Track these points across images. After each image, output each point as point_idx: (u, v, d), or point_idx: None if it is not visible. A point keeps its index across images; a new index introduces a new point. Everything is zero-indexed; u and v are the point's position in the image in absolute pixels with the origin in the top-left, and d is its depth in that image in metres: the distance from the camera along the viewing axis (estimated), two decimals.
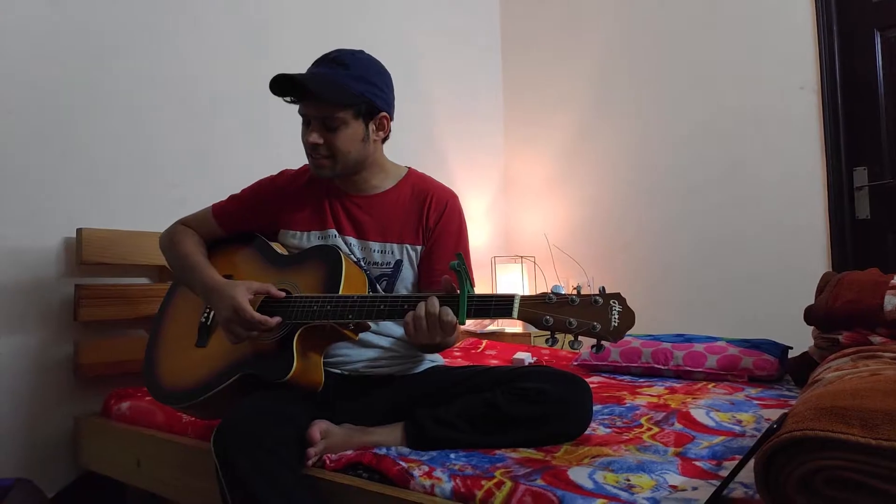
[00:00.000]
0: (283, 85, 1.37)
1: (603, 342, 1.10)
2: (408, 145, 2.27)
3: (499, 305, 1.16)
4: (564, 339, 1.14)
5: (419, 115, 3.21)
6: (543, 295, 1.13)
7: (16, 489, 1.60)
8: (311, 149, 1.43)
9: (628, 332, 1.09)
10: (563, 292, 1.14)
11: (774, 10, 2.86)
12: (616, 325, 1.08)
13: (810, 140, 2.76)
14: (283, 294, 1.34)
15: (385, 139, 1.53)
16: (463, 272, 1.16)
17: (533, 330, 2.99)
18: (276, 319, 1.30)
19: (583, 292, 1.12)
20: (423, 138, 3.24)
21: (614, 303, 1.10)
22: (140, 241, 2.05)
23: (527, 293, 3.22)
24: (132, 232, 2.05)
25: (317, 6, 2.78)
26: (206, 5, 2.39)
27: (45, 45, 1.98)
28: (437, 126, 3.35)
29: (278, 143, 2.49)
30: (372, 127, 1.46)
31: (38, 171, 1.95)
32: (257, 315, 1.28)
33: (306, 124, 1.44)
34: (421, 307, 1.19)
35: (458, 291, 1.18)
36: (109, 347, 2.00)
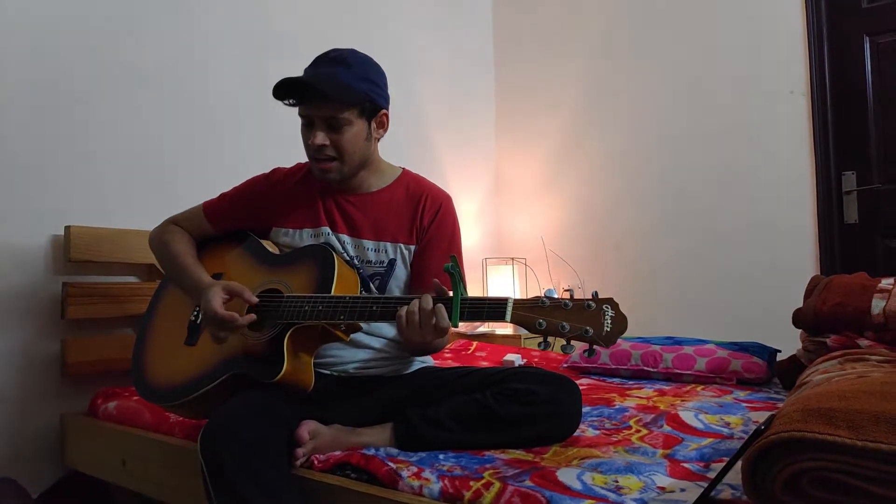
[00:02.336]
0: (287, 88, 1.37)
1: (595, 346, 1.10)
2: (400, 146, 2.27)
3: (492, 309, 1.15)
4: (556, 342, 1.14)
5: (411, 116, 3.21)
6: (536, 298, 1.13)
7: (0, 488, 1.59)
8: (315, 151, 1.41)
9: None
10: (556, 296, 1.14)
11: (765, 14, 2.88)
12: (608, 329, 1.08)
13: (800, 144, 2.78)
14: (256, 300, 1.33)
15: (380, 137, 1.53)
16: (457, 275, 1.16)
17: (523, 332, 2.98)
18: (249, 317, 1.30)
19: (575, 296, 1.13)
20: (415, 139, 3.24)
21: (607, 307, 1.10)
22: (128, 239, 2.03)
23: (518, 295, 3.23)
24: (121, 230, 2.04)
25: (312, 7, 2.77)
26: (201, 2, 2.38)
27: (37, 42, 1.96)
28: (430, 127, 3.35)
29: (271, 140, 2.48)
30: (373, 125, 1.46)
31: (27, 169, 1.93)
32: (222, 311, 1.28)
33: (308, 126, 1.42)
34: (415, 303, 1.19)
35: (451, 294, 1.18)
36: (97, 346, 1.98)
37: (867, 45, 2.71)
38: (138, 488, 1.67)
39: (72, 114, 2.03)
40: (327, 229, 1.50)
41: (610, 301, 1.11)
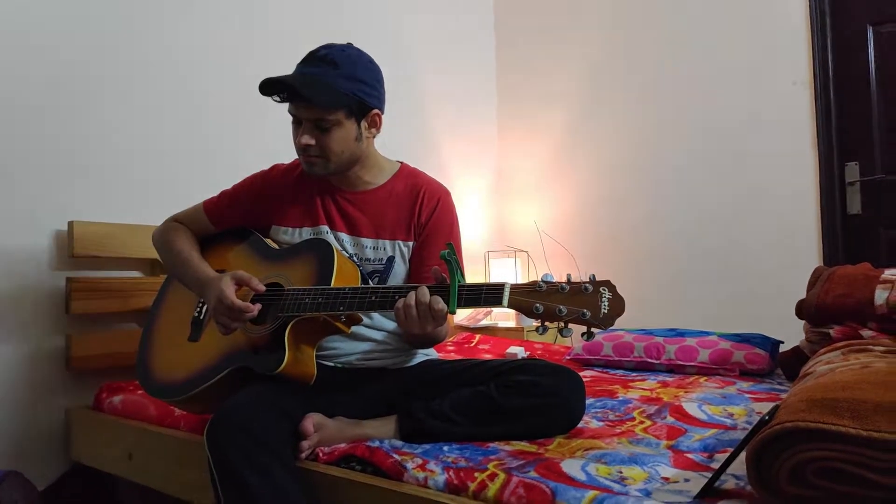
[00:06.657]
0: (272, 87, 1.36)
1: (593, 329, 1.10)
2: (401, 138, 2.26)
3: (489, 293, 1.15)
4: (556, 328, 1.14)
5: (412, 108, 3.20)
6: (534, 283, 1.13)
7: (7, 482, 1.60)
8: (302, 150, 1.42)
9: (621, 326, 1.10)
10: (554, 280, 1.14)
11: (768, 5, 2.86)
12: (606, 311, 1.08)
13: (802, 135, 2.77)
14: (263, 288, 1.34)
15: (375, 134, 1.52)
16: (454, 261, 1.16)
17: (526, 324, 3.00)
18: (258, 306, 1.30)
19: (573, 280, 1.13)
20: (416, 131, 3.23)
21: (604, 290, 1.10)
22: (132, 234, 2.04)
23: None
24: (124, 225, 2.04)
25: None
26: None
27: (39, 38, 1.96)
28: (431, 119, 3.34)
29: (272, 137, 2.47)
30: (364, 125, 1.44)
31: (30, 165, 1.93)
32: (238, 301, 1.28)
33: (297, 124, 1.42)
34: (411, 296, 1.19)
35: (449, 281, 1.18)
36: (101, 340, 1.99)
37: (871, 35, 2.70)
38: (144, 481, 1.68)
39: (73, 110, 2.03)
40: (326, 228, 1.50)
41: (607, 283, 1.11)
